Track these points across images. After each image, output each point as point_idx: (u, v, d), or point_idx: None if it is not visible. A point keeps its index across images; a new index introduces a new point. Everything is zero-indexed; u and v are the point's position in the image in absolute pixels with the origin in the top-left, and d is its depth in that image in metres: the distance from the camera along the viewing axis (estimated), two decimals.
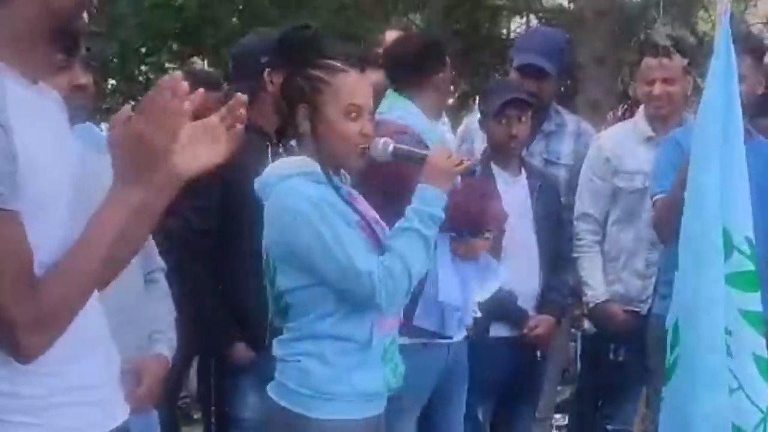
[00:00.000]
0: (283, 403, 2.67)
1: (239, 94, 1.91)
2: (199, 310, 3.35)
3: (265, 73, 3.54)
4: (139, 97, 11.83)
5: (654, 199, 3.86)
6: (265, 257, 2.74)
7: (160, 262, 2.96)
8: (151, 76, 11.10)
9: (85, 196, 1.80)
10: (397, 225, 2.72)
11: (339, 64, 2.73)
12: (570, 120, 4.50)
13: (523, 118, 3.96)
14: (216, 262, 3.44)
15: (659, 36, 6.64)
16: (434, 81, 3.58)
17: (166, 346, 2.84)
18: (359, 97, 2.71)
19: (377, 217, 2.80)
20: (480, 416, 3.94)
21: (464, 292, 3.40)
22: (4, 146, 1.62)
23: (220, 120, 1.84)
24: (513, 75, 4.35)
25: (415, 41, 3.74)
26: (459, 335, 3.54)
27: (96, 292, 1.87)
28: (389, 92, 3.54)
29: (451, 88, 3.84)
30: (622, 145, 4.36)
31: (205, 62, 11.62)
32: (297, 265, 2.63)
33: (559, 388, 6.81)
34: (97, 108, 4.94)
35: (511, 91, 4.01)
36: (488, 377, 3.89)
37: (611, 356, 4.34)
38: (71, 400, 1.77)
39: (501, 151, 3.99)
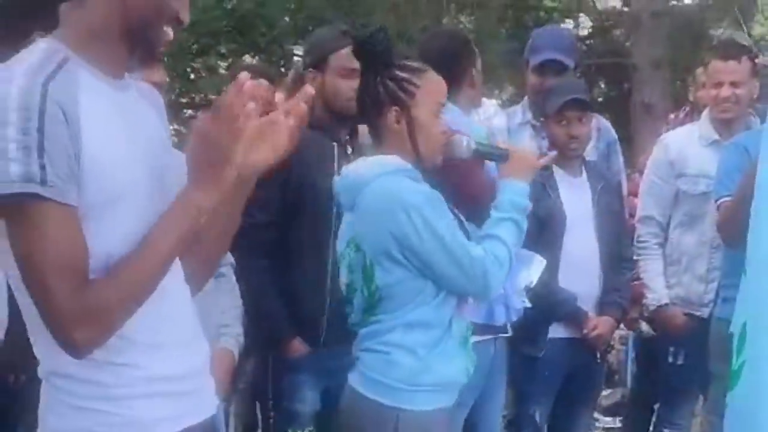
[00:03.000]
0: (370, 395, 2.70)
1: (307, 86, 1.89)
2: (259, 305, 3.36)
3: (308, 74, 3.56)
4: (192, 95, 12.00)
5: (719, 202, 3.82)
6: (345, 254, 2.77)
7: (228, 257, 2.98)
8: (203, 75, 11.20)
9: (169, 191, 1.81)
10: (495, 215, 2.80)
11: (419, 65, 2.78)
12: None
13: (584, 119, 3.94)
14: (276, 257, 3.45)
15: (732, 37, 6.56)
16: (468, 76, 3.57)
17: (232, 340, 2.86)
18: (443, 95, 2.80)
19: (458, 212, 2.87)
20: (538, 418, 3.93)
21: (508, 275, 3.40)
22: (67, 141, 1.64)
23: (284, 115, 1.83)
24: (531, 76, 4.30)
25: (442, 38, 3.72)
26: (505, 330, 3.55)
27: (186, 287, 1.90)
28: None
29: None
30: (687, 148, 4.34)
31: (256, 60, 11.71)
32: (403, 260, 2.65)
33: (608, 391, 6.82)
34: None
35: (570, 92, 3.98)
36: (546, 378, 3.90)
37: (670, 359, 4.32)
38: (152, 390, 1.79)
39: (562, 152, 3.96)
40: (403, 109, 2.72)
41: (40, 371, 1.79)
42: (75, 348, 1.69)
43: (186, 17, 1.84)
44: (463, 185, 3.03)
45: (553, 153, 3.25)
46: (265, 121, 1.78)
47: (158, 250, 1.72)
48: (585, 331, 3.90)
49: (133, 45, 1.81)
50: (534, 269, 3.42)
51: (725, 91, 4.23)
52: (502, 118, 4.48)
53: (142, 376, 1.78)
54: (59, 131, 1.62)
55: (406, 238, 2.62)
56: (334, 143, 3.48)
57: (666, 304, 4.33)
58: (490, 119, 4.42)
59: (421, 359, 2.67)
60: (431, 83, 2.76)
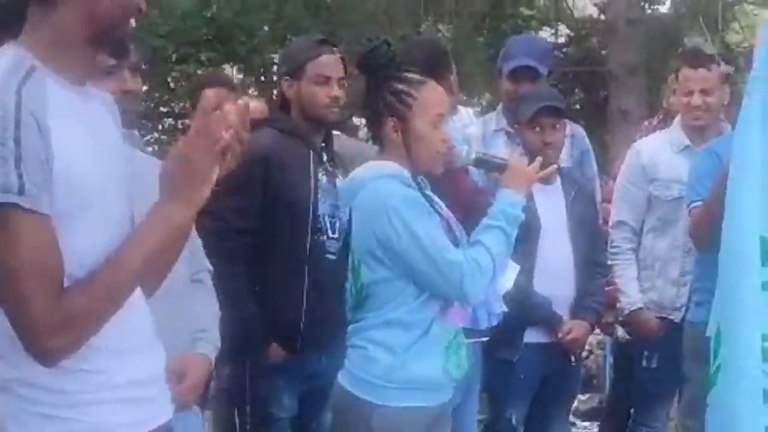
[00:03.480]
0: (350, 388, 2.84)
1: (255, 102, 1.92)
2: (236, 310, 3.39)
3: (284, 83, 3.59)
4: (172, 104, 12.00)
5: (690, 207, 3.87)
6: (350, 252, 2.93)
7: (206, 263, 3.00)
8: (183, 84, 11.21)
9: (136, 199, 1.84)
10: (483, 222, 2.90)
11: (419, 77, 2.90)
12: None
13: (557, 126, 3.98)
14: (254, 262, 3.48)
15: (698, 46, 6.61)
16: (447, 84, 3.62)
17: (209, 345, 2.87)
18: (442, 106, 2.90)
19: (453, 218, 2.96)
20: (514, 421, 3.97)
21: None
22: (40, 149, 1.64)
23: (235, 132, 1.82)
24: (505, 83, 4.35)
25: (422, 46, 3.79)
26: (486, 334, 3.61)
27: (141, 293, 1.90)
28: None
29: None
30: (659, 154, 4.40)
31: (234, 70, 11.73)
32: (385, 259, 2.78)
33: (587, 396, 6.87)
34: None
35: (544, 98, 4.03)
36: (522, 382, 3.94)
37: (644, 363, 4.37)
38: (116, 396, 1.81)
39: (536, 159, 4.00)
40: (400, 120, 2.85)
41: None
42: (48, 356, 1.69)
43: (143, 4, 1.85)
44: (450, 191, 3.12)
45: (553, 166, 3.32)
46: (230, 137, 1.78)
47: (133, 261, 1.74)
48: (560, 335, 3.94)
49: (101, 47, 1.83)
50: (508, 275, 3.47)
51: (696, 99, 4.28)
52: (477, 125, 4.52)
53: (107, 382, 1.79)
54: (34, 140, 1.63)
55: (388, 239, 2.76)
56: (310, 150, 3.52)
57: (640, 308, 4.37)
58: (465, 127, 4.46)
59: (396, 357, 2.78)
60: (429, 95, 2.87)
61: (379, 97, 2.87)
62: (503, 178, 3.02)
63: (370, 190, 2.81)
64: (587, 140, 4.57)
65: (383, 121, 2.88)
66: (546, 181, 3.51)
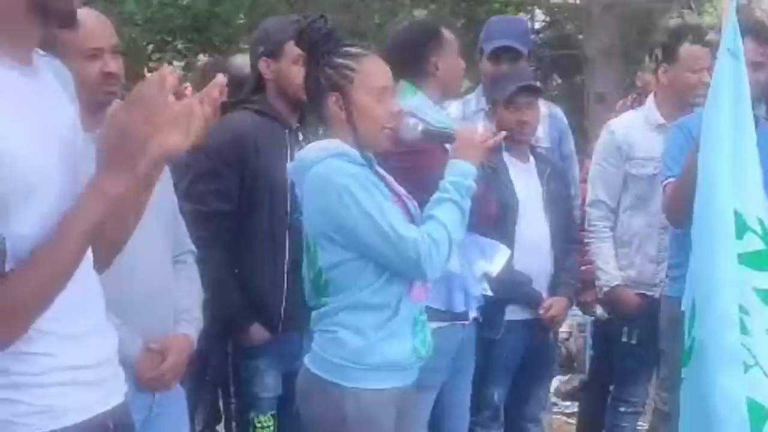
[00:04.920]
0: (320, 373, 2.79)
1: (219, 75, 1.86)
2: (217, 292, 3.40)
3: (261, 63, 3.59)
4: None
5: (664, 183, 3.91)
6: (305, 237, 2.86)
7: (190, 245, 2.99)
8: None
9: (80, 179, 1.76)
10: (435, 196, 2.84)
11: (360, 51, 2.83)
12: (542, 104, 4.36)
13: (533, 105, 4.01)
14: (233, 244, 3.50)
15: (689, 24, 6.59)
16: (431, 65, 3.62)
17: (191, 325, 2.87)
18: (385, 79, 2.83)
19: (407, 193, 2.92)
20: (496, 398, 4.00)
21: (464, 260, 3.40)
22: None
23: (199, 102, 1.73)
24: (486, 63, 4.37)
25: (413, 29, 3.80)
26: (465, 317, 3.60)
27: (95, 274, 1.86)
28: (401, 82, 3.53)
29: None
30: (633, 132, 4.43)
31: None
32: (340, 240, 2.72)
33: (567, 376, 6.92)
34: None
35: (520, 78, 4.07)
36: (504, 360, 3.98)
37: (624, 339, 4.41)
38: (65, 379, 1.76)
39: (511, 138, 4.02)
40: (342, 94, 2.77)
41: None
42: None
43: None
44: (428, 168, 3.07)
45: (501, 133, 3.28)
46: (181, 108, 1.68)
47: (70, 240, 1.67)
48: (541, 311, 3.99)
49: (43, 18, 1.72)
50: (497, 259, 3.48)
51: (707, 77, 4.16)
52: (457, 106, 4.55)
53: (55, 365, 1.74)
54: None
55: (340, 219, 2.69)
56: (286, 130, 3.53)
57: (618, 285, 4.41)
58: (444, 108, 4.49)
59: (367, 339, 2.74)
60: (371, 68, 2.80)
61: (320, 72, 2.78)
62: (453, 149, 2.97)
63: (317, 170, 2.74)
64: (565, 120, 4.61)
65: (325, 97, 2.79)
66: (491, 154, 3.38)
